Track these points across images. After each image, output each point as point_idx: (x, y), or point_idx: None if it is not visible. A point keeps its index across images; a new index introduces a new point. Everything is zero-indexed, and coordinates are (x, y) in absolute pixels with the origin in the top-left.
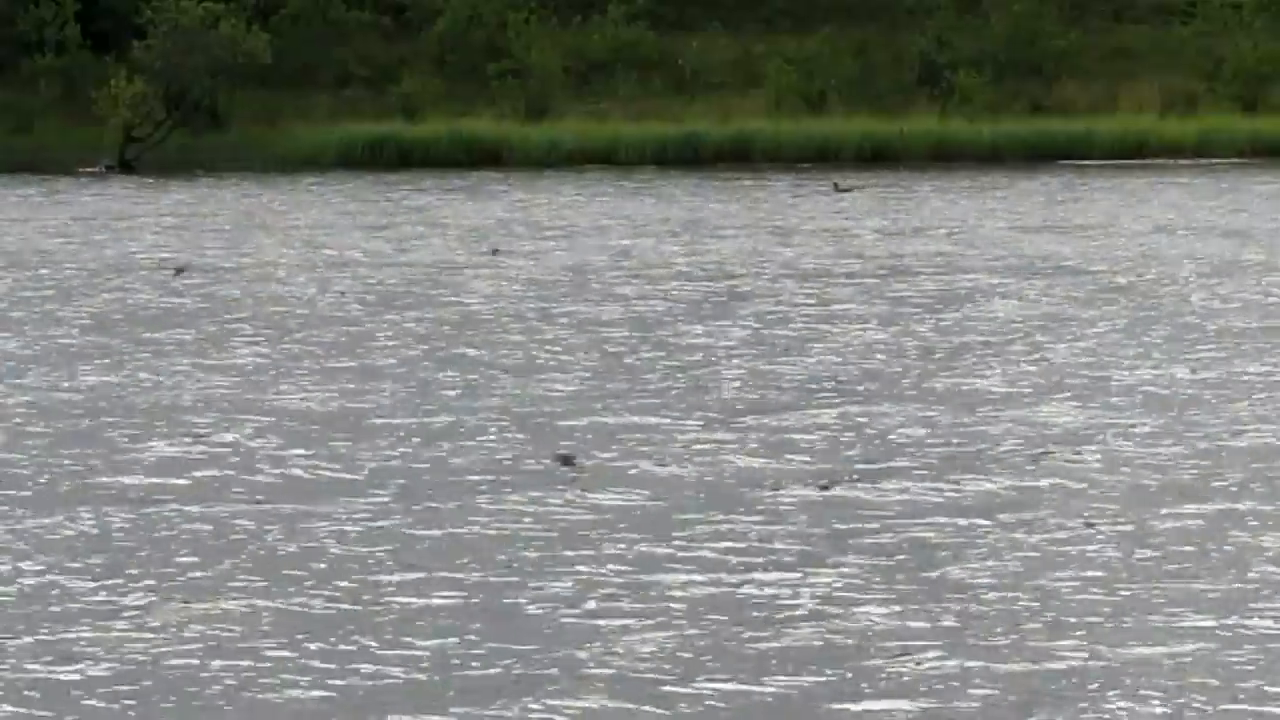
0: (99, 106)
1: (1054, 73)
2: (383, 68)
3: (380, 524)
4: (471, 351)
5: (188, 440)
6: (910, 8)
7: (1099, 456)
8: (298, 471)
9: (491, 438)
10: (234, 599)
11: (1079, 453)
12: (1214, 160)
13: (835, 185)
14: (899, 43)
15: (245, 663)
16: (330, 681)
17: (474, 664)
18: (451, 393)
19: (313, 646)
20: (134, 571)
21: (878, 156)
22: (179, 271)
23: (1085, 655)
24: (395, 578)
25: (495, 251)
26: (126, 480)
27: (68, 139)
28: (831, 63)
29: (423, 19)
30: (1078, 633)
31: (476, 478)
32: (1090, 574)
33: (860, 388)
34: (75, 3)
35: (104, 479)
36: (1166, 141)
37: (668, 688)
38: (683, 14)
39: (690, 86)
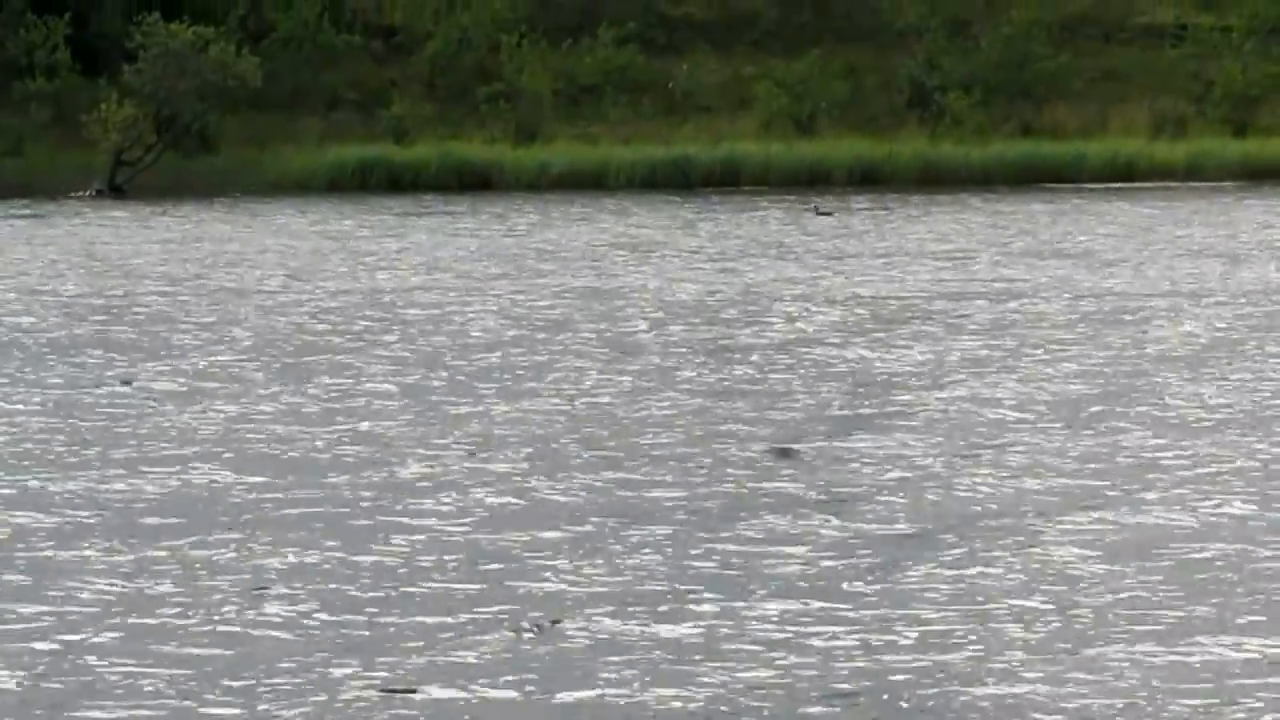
0: (89, 130)
1: (1044, 95)
2: (373, 91)
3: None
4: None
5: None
6: (900, 30)
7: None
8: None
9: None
10: None
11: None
12: (1204, 183)
13: (815, 208)
14: (889, 65)
15: None
16: None
17: None
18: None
19: None
20: None
21: (867, 179)
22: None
23: None
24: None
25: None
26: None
27: (58, 162)
28: (821, 85)
29: (413, 42)
30: None
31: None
32: None
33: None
34: (66, 26)
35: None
36: (1157, 164)
37: None
38: (672, 37)
39: (680, 109)
